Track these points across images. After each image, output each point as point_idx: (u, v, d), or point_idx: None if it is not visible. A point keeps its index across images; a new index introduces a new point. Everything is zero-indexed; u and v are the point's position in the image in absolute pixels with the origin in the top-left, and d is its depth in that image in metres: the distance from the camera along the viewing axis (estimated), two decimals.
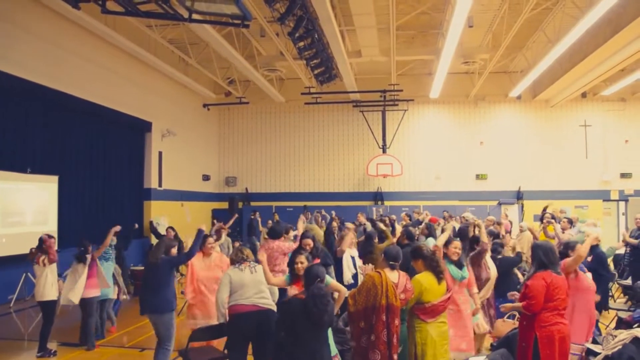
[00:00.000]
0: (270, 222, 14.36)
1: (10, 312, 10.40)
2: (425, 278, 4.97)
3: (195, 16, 9.74)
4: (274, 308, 5.47)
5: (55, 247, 7.52)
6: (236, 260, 5.55)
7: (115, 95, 14.69)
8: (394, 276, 4.88)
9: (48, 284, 7.21)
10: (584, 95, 20.29)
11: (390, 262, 4.99)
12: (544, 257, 4.87)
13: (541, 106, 20.99)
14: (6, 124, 11.29)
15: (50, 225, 11.90)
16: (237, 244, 8.56)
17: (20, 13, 11.31)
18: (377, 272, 4.76)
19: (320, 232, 9.47)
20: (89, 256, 7.62)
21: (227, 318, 5.40)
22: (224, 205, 20.76)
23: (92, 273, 7.67)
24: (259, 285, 5.43)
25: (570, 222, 10.48)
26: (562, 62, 15.89)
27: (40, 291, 7.21)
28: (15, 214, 11.23)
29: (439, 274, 5.01)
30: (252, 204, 21.48)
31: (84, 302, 7.58)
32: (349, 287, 6.91)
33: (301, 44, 13.07)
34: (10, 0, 11.01)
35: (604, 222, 19.44)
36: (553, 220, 11.32)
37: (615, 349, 4.96)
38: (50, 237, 7.47)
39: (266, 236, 8.12)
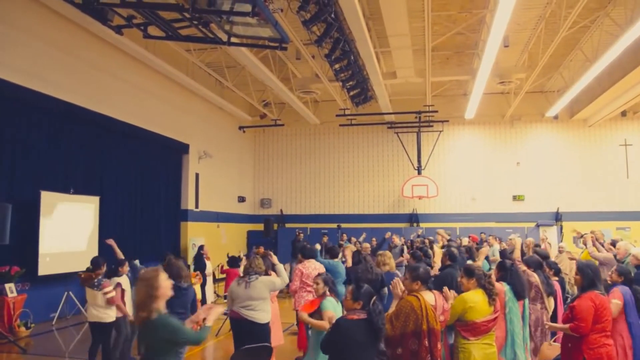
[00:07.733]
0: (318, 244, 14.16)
1: (53, 329, 10.59)
2: (472, 297, 4.78)
3: (233, 39, 9.97)
4: (260, 320, 5.93)
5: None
6: (244, 272, 6.20)
7: (154, 118, 15.05)
8: (430, 298, 4.61)
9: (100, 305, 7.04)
10: (623, 113, 19.89)
11: (424, 284, 4.67)
12: (594, 276, 4.75)
13: (579, 126, 20.65)
14: (50, 146, 11.64)
15: (91, 245, 12.14)
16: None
17: (63, 38, 11.70)
18: (414, 295, 4.51)
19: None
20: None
21: None
22: (259, 227, 20.82)
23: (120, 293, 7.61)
24: (249, 299, 5.94)
25: (613, 245, 10.15)
26: (600, 80, 15.65)
27: (91, 312, 7.08)
28: (59, 234, 11.44)
29: (491, 295, 4.80)
30: (287, 225, 21.53)
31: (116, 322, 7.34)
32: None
33: (337, 66, 13.20)
34: (53, 25, 11.40)
35: None
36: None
37: None
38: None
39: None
